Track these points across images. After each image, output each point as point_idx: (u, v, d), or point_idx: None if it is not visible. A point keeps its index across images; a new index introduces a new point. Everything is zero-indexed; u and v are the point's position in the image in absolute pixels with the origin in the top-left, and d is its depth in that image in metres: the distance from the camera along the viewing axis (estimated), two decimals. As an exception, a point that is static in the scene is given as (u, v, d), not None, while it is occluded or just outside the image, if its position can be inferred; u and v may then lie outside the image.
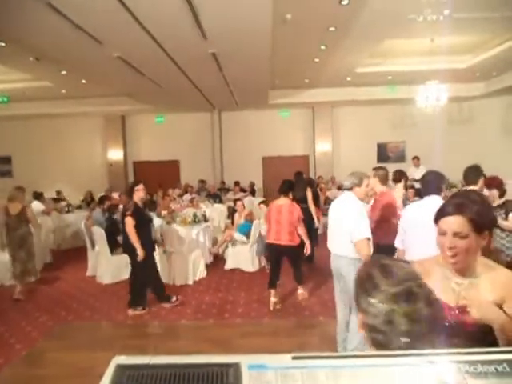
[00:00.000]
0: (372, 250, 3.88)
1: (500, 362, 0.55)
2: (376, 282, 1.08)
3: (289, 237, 5.32)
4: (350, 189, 3.98)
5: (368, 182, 3.97)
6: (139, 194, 5.29)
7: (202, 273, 6.96)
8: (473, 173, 4.40)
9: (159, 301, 5.68)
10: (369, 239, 3.68)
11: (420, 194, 6.42)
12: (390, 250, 3.84)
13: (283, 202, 5.43)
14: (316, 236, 7.56)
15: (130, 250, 5.27)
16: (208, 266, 7.37)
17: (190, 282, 6.62)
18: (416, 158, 11.66)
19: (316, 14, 6.55)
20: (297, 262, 5.64)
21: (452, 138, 13.25)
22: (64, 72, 9.30)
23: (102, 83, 10.46)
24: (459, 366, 0.54)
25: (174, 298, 5.72)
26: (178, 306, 5.68)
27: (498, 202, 4.88)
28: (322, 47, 8.34)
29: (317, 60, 9.29)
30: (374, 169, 4.96)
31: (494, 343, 1.50)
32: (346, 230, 3.72)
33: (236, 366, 0.57)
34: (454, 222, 1.61)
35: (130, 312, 5.44)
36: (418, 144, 13.43)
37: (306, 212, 6.84)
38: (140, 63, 8.09)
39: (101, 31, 6.25)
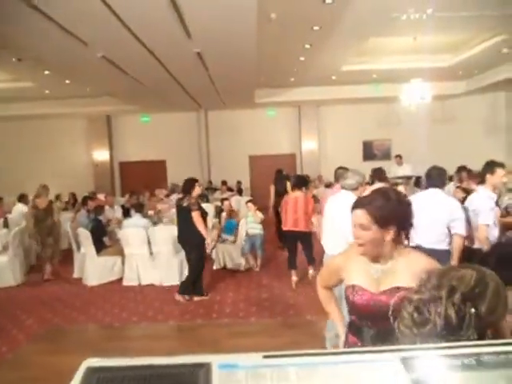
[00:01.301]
0: None
1: (467, 355, 0.57)
2: None
3: (305, 224, 6.07)
4: (355, 189, 3.87)
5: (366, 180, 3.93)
6: (197, 190, 5.73)
7: (189, 273, 6.92)
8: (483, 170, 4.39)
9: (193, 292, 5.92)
10: None
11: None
12: None
13: (298, 194, 6.22)
14: None
15: (188, 241, 5.68)
16: (195, 266, 7.34)
17: (177, 282, 6.58)
18: (398, 156, 11.80)
19: (300, 13, 6.56)
20: (310, 245, 6.34)
21: (436, 135, 13.40)
22: (47, 72, 9.18)
23: (87, 83, 10.36)
24: (429, 361, 0.55)
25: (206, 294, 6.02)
26: (165, 307, 5.66)
27: None
28: (307, 46, 8.37)
29: (302, 59, 9.32)
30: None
31: None
32: (344, 230, 3.68)
33: (207, 366, 0.57)
34: (358, 215, 1.81)
35: (181, 298, 5.79)
36: (403, 142, 13.57)
37: None
38: (125, 63, 8.03)
39: (85, 31, 6.17)
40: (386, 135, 14.14)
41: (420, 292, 1.05)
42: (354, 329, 1.97)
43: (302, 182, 6.45)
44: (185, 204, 5.56)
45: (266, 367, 0.55)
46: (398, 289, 1.77)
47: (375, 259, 1.85)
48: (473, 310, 0.96)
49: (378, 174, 5.67)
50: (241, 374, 0.55)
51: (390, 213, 1.78)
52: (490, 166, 4.17)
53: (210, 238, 5.72)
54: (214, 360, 0.58)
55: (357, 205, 1.84)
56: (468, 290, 0.99)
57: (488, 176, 4.14)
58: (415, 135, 13.39)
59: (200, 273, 5.87)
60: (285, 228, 6.31)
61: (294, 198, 6.20)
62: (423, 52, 9.07)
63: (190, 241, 5.66)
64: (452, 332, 0.95)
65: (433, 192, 4.10)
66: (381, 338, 1.77)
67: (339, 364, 0.55)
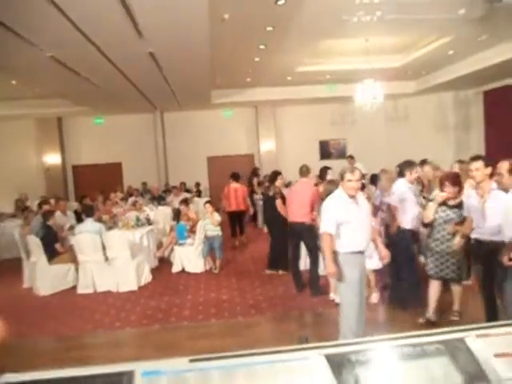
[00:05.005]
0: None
1: (390, 348, 0.57)
2: None
3: (242, 204, 9.05)
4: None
5: (352, 176, 3.80)
6: (280, 181, 7.00)
7: (147, 278, 6.79)
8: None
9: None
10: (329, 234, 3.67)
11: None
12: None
13: (237, 185, 9.07)
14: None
15: (272, 222, 6.88)
16: (153, 270, 7.21)
17: (135, 288, 6.44)
18: (350, 156, 12.06)
19: (253, 13, 6.57)
20: (244, 220, 9.44)
21: (389, 134, 13.86)
22: (-10, 72, 8.72)
23: (35, 84, 9.94)
24: (349, 357, 0.55)
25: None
26: (123, 314, 5.52)
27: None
28: (262, 47, 8.39)
29: (257, 59, 9.34)
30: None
31: None
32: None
33: (129, 374, 0.55)
34: None
35: (268, 271, 6.83)
36: (358, 140, 13.92)
37: None
38: (75, 63, 7.74)
39: (30, 30, 5.90)
40: (342, 134, 14.45)
41: None
42: None
43: (238, 176, 9.21)
44: (271, 193, 6.82)
45: (190, 371, 0.54)
46: None
47: None
48: None
49: (322, 174, 6.60)
50: (163, 380, 0.53)
51: None
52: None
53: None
54: (138, 367, 0.55)
55: None
56: None
57: (408, 171, 5.02)
58: (369, 134, 13.79)
59: (283, 250, 6.69)
60: (229, 209, 9.00)
61: (235, 188, 8.97)
62: (375, 53, 9.32)
63: (273, 222, 6.79)
64: None
65: (397, 181, 5.07)
66: None
67: (262, 364, 0.54)
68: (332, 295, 5.31)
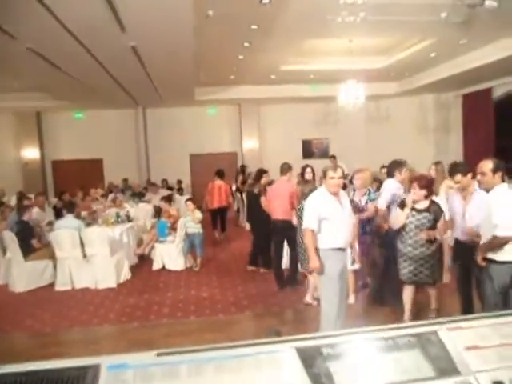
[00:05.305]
0: None
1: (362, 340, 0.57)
2: None
3: (225, 201, 9.22)
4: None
5: (334, 173, 3.73)
6: (266, 179, 6.99)
7: (126, 275, 6.71)
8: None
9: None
10: (312, 230, 3.70)
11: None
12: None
13: (220, 182, 9.21)
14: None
15: (256, 220, 6.92)
16: (133, 268, 7.13)
17: (114, 285, 6.36)
18: (332, 156, 12.12)
19: (237, 11, 6.53)
20: (226, 216, 9.57)
21: (371, 134, 13.98)
22: (-34, 64, 8.48)
23: (13, 77, 9.70)
24: (320, 350, 0.55)
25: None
26: (101, 311, 5.44)
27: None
28: (246, 44, 8.36)
29: (241, 57, 9.31)
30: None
31: None
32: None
33: (95, 368, 0.53)
34: None
35: (249, 268, 6.85)
36: (340, 140, 14.00)
37: None
38: (54, 56, 7.58)
39: (7, 20, 5.75)
40: (324, 134, 14.53)
41: None
42: None
43: (223, 174, 9.33)
44: (256, 191, 6.90)
45: (157, 365, 0.52)
46: None
47: None
48: None
49: (303, 172, 6.59)
50: (129, 374, 0.51)
51: None
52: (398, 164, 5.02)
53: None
54: (104, 361, 0.54)
55: None
56: None
57: (397, 171, 4.95)
58: (352, 134, 13.90)
59: (266, 247, 6.63)
60: (211, 207, 9.15)
61: (218, 184, 9.15)
62: (359, 54, 9.39)
63: (257, 219, 6.80)
64: None
65: (387, 182, 5.00)
66: None
67: (232, 358, 0.53)
68: (307, 298, 5.28)
